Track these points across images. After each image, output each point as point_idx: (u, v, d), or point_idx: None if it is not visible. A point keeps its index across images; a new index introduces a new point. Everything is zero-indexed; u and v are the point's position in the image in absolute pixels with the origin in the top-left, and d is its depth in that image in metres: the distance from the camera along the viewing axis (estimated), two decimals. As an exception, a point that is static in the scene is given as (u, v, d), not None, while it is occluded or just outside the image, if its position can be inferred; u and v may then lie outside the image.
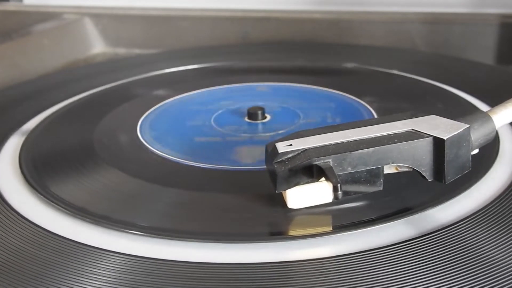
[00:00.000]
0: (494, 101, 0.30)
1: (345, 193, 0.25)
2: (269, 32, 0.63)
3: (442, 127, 0.26)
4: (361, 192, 0.26)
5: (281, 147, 0.26)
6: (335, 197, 0.24)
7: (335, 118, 0.38)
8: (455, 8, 0.61)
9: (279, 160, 0.25)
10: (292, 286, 0.22)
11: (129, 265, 0.23)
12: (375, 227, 0.25)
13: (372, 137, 0.26)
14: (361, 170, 0.25)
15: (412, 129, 0.26)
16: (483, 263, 0.23)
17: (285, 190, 0.25)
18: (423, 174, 0.26)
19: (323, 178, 0.25)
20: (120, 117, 0.40)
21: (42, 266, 0.24)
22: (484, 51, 0.57)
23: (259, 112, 0.38)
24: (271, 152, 0.26)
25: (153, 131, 0.37)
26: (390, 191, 0.27)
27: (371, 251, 0.24)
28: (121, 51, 0.66)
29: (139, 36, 0.66)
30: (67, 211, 0.27)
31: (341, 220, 0.26)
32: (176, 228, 0.26)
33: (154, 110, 0.41)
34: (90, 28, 0.67)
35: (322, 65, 0.51)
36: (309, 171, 0.25)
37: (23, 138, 0.36)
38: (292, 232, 0.26)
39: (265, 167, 0.27)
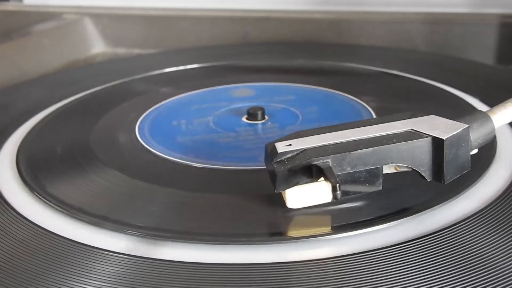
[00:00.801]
0: (494, 101, 0.30)
1: (344, 193, 0.25)
2: (269, 32, 0.63)
3: (442, 127, 0.26)
4: (360, 192, 0.26)
5: (281, 147, 0.26)
6: (334, 197, 0.24)
7: (335, 118, 0.38)
8: (455, 8, 0.61)
9: (278, 160, 0.25)
10: (291, 287, 0.22)
11: (128, 265, 0.23)
12: (374, 227, 0.25)
13: (371, 137, 0.26)
14: (360, 170, 0.25)
15: (412, 129, 0.26)
16: (483, 263, 0.22)
17: (284, 190, 0.25)
18: (422, 174, 0.26)
19: (322, 178, 0.25)
20: (119, 117, 0.40)
21: (40, 266, 0.24)
22: (484, 51, 0.57)
23: (259, 112, 0.38)
24: (271, 152, 0.26)
25: (152, 131, 0.37)
26: (389, 192, 0.27)
27: (371, 252, 0.23)
28: (121, 51, 0.66)
29: (139, 36, 0.66)
30: (65, 212, 0.27)
31: (340, 221, 0.26)
32: (174, 228, 0.26)
33: (153, 110, 0.41)
34: (90, 28, 0.67)
35: (322, 65, 0.51)
36: (308, 171, 0.25)
37: (21, 138, 0.36)
38: (292, 233, 0.26)
39: (265, 167, 0.27)
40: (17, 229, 0.26)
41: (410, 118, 0.27)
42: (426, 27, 0.59)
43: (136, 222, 0.26)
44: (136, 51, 0.65)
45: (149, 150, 0.34)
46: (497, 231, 0.25)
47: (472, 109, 0.35)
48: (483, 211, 0.26)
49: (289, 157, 0.25)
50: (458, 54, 0.56)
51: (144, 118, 0.39)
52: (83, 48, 0.65)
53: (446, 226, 0.25)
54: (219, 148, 0.34)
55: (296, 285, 0.22)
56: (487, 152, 0.31)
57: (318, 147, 0.25)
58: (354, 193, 0.26)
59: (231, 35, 0.64)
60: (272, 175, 0.25)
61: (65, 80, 0.50)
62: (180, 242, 0.25)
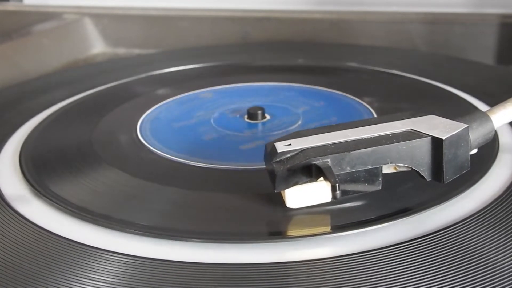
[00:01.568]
0: (494, 101, 0.30)
1: (344, 192, 0.25)
2: (269, 32, 0.63)
3: (441, 127, 0.26)
4: (360, 192, 0.26)
5: (280, 146, 0.26)
6: (334, 196, 0.24)
7: (335, 118, 0.38)
8: (455, 8, 0.61)
9: (278, 159, 0.25)
10: (290, 287, 0.22)
11: (129, 265, 0.23)
12: (374, 227, 0.25)
13: (371, 137, 0.26)
14: (359, 170, 0.25)
15: (411, 129, 0.26)
16: (483, 264, 0.22)
17: (284, 189, 0.25)
18: (422, 174, 0.26)
19: (321, 178, 0.25)
20: (120, 116, 0.40)
21: (41, 265, 0.24)
22: (484, 51, 0.57)
23: (259, 112, 0.38)
24: (270, 152, 0.26)
25: (153, 131, 0.37)
26: (388, 191, 0.27)
27: (370, 252, 0.23)
28: (121, 51, 0.66)
29: (139, 36, 0.66)
30: (67, 211, 0.27)
31: (340, 221, 0.26)
32: (175, 227, 0.26)
33: (154, 109, 0.41)
34: (90, 28, 0.67)
35: (322, 65, 0.51)
36: (308, 170, 0.25)
37: (23, 138, 0.37)
38: (291, 233, 0.26)
39: (264, 166, 0.27)
40: (18, 229, 0.26)
41: (409, 118, 0.27)
42: (426, 27, 0.59)
43: (137, 221, 0.26)
44: (136, 51, 0.66)
45: (150, 150, 0.34)
46: (497, 231, 0.25)
47: (471, 109, 0.35)
48: (483, 211, 0.26)
49: (288, 157, 0.25)
50: (458, 54, 0.56)
51: (145, 117, 0.39)
52: (83, 48, 0.65)
53: (446, 226, 0.25)
54: (219, 148, 0.34)
55: (295, 284, 0.22)
56: (487, 152, 0.31)
57: (318, 146, 0.26)
58: (354, 192, 0.26)
59: (231, 35, 0.64)
60: (272, 174, 0.26)
61: (65, 80, 0.50)
62: (181, 241, 0.25)
